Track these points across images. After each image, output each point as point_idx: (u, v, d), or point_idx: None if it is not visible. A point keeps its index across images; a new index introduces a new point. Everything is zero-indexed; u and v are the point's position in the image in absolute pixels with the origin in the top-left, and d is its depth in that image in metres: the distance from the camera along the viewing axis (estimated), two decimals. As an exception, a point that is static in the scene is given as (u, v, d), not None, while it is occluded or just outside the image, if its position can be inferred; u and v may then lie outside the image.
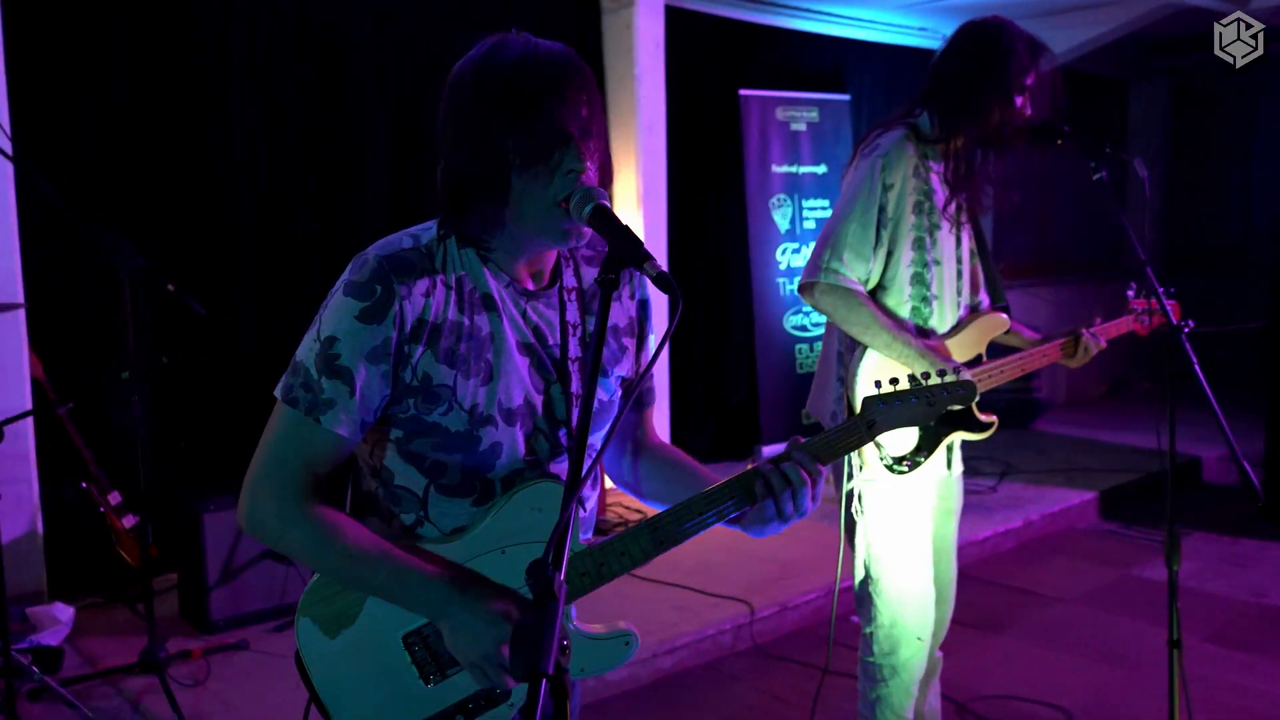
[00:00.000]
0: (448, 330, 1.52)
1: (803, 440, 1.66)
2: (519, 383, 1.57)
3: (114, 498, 4.62)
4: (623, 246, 1.41)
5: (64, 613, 4.30)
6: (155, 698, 3.63)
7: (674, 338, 6.62)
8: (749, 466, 1.63)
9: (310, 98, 5.28)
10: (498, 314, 1.56)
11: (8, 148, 3.68)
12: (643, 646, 4.20)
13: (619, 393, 1.71)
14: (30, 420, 4.49)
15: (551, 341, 1.61)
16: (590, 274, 1.69)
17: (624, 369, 1.72)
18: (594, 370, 1.34)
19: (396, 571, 1.50)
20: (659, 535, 1.59)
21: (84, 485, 4.64)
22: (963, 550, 5.53)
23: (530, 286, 1.61)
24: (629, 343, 1.74)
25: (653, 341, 1.84)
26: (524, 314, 1.59)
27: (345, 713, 1.58)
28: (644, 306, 1.77)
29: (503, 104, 1.45)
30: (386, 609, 1.55)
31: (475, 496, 1.58)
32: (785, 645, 4.51)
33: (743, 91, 6.85)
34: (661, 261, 6.41)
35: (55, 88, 4.58)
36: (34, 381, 4.54)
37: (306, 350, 1.52)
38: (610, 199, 1.51)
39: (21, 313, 4.38)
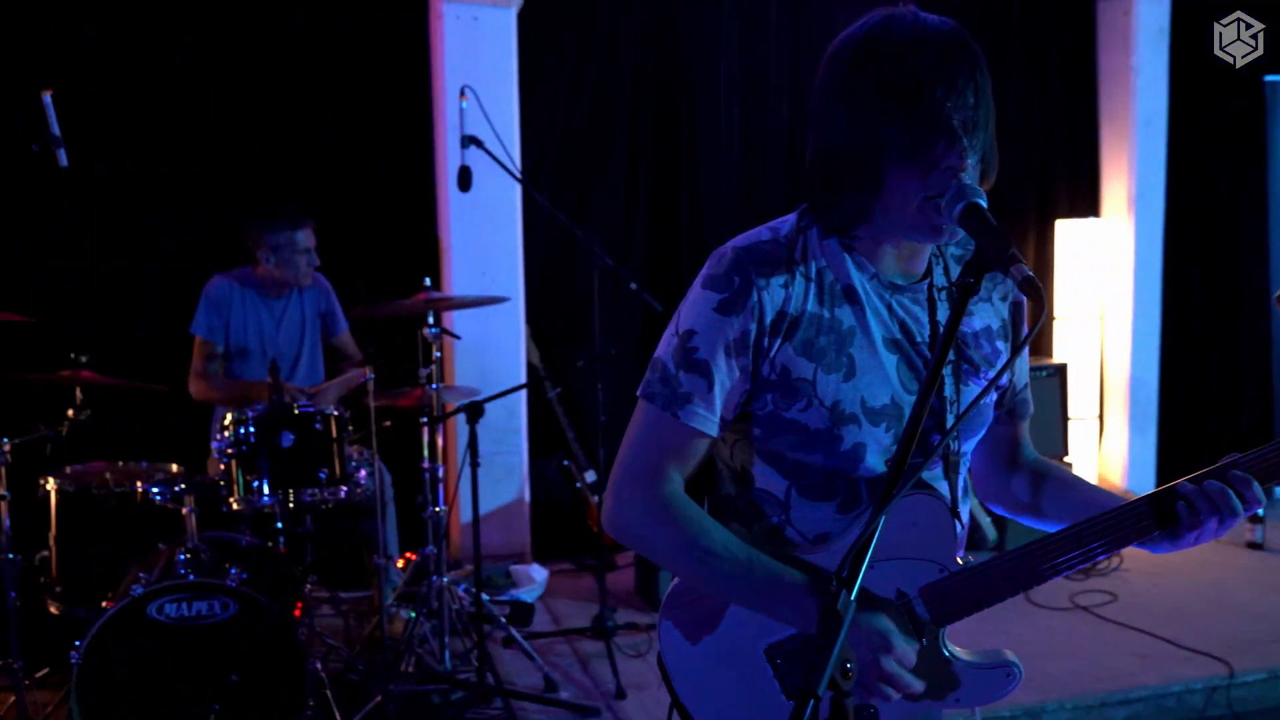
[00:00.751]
0: (807, 322, 1.46)
1: (1240, 457, 1.43)
2: (884, 381, 1.48)
3: (589, 476, 5.11)
4: (990, 249, 1.30)
5: (539, 574, 4.82)
6: (601, 662, 3.94)
7: (1165, 355, 6.00)
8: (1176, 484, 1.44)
9: (789, 103, 5.46)
10: (860, 307, 1.49)
11: (516, 171, 4.23)
12: (1092, 693, 3.85)
13: (995, 399, 1.59)
14: (524, 400, 5.09)
15: (919, 339, 1.52)
16: (959, 273, 1.58)
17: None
18: (934, 375, 1.25)
19: (764, 579, 1.43)
20: (1051, 559, 1.44)
21: (565, 463, 5.19)
22: None
23: (898, 280, 1.52)
24: (1003, 347, 1.60)
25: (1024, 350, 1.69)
26: (889, 308, 1.51)
27: (705, 718, 1.56)
28: (1018, 309, 1.63)
29: (883, 90, 1.36)
30: (749, 618, 1.51)
31: (840, 501, 1.51)
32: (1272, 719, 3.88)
33: (1270, 78, 5.97)
34: (1155, 270, 5.88)
35: (552, 107, 5.18)
36: (531, 366, 5.15)
37: (665, 346, 1.50)
38: (987, 195, 1.40)
39: (520, 304, 4.99)
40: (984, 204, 1.35)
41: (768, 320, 1.45)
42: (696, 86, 5.36)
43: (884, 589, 1.46)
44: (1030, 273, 1.26)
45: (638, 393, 1.53)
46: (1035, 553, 1.45)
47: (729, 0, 5.37)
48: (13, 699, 3.32)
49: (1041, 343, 6.11)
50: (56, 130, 3.36)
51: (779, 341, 1.46)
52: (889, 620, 1.40)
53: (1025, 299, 1.62)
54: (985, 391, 1.22)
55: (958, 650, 1.51)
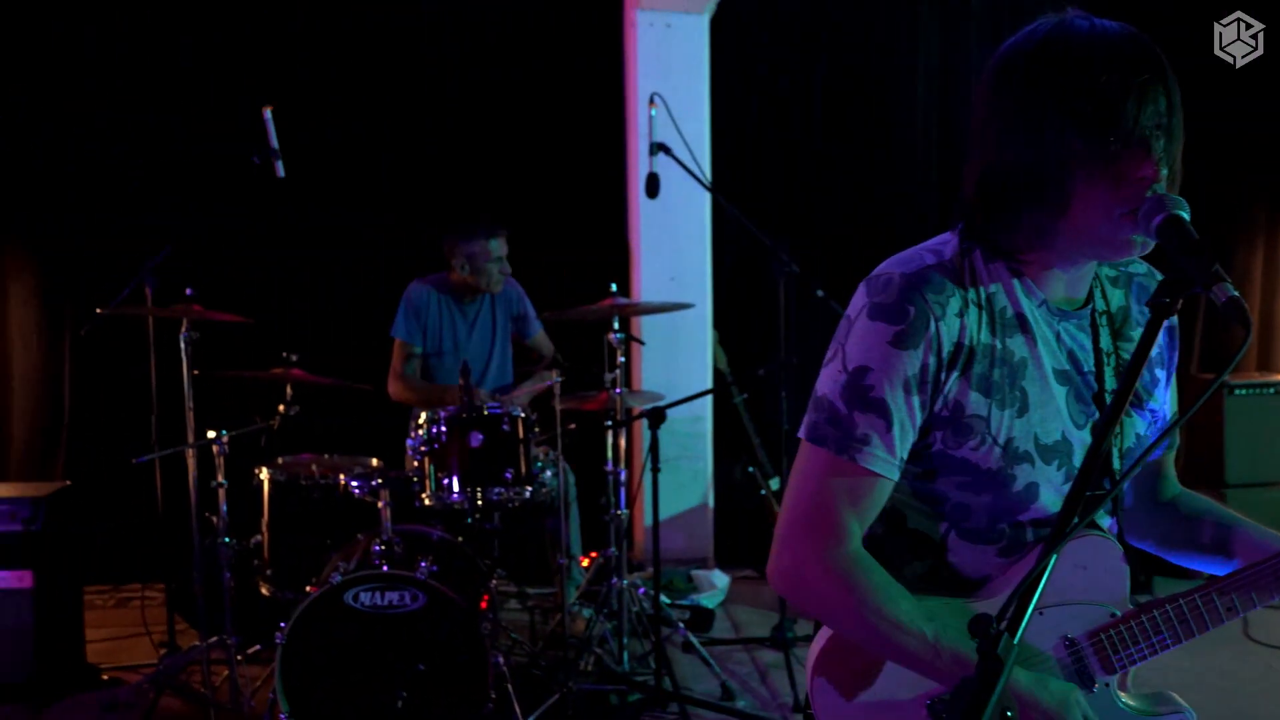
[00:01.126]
0: (981, 354, 1.37)
1: None
2: (1056, 415, 1.40)
3: (774, 483, 5.07)
4: (1191, 266, 1.18)
5: (721, 579, 4.81)
6: (780, 674, 3.90)
7: None
8: None
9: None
10: (1031, 336, 1.39)
11: (705, 178, 4.25)
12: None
13: (1154, 429, 1.48)
14: (710, 405, 5.10)
15: (1086, 369, 1.42)
16: (1116, 296, 1.47)
17: (1158, 403, 1.49)
18: (1119, 404, 1.16)
19: (950, 659, 1.31)
20: (1227, 601, 1.37)
21: (750, 469, 5.16)
22: None
23: (1065, 306, 1.43)
24: (1160, 374, 1.49)
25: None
26: (1058, 336, 1.41)
27: None
28: (1172, 333, 1.52)
29: (1069, 103, 1.27)
30: (909, 672, 1.41)
31: (1003, 544, 1.42)
32: None
33: None
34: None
35: (743, 112, 5.17)
36: (718, 372, 5.15)
37: (830, 384, 1.38)
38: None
39: (708, 309, 5.00)
40: (1186, 215, 1.24)
41: (945, 352, 1.35)
42: (893, 85, 5.26)
43: (1051, 636, 1.39)
44: (1235, 293, 1.15)
45: (802, 435, 1.41)
46: (1211, 594, 1.37)
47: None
48: (226, 672, 3.57)
49: (1274, 359, 5.65)
50: (275, 143, 3.60)
51: (954, 375, 1.36)
52: (1062, 689, 1.32)
53: (1175, 323, 1.50)
54: (1167, 433, 1.12)
55: (1126, 698, 1.43)
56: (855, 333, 1.37)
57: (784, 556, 1.39)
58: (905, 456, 1.38)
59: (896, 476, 1.38)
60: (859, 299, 1.39)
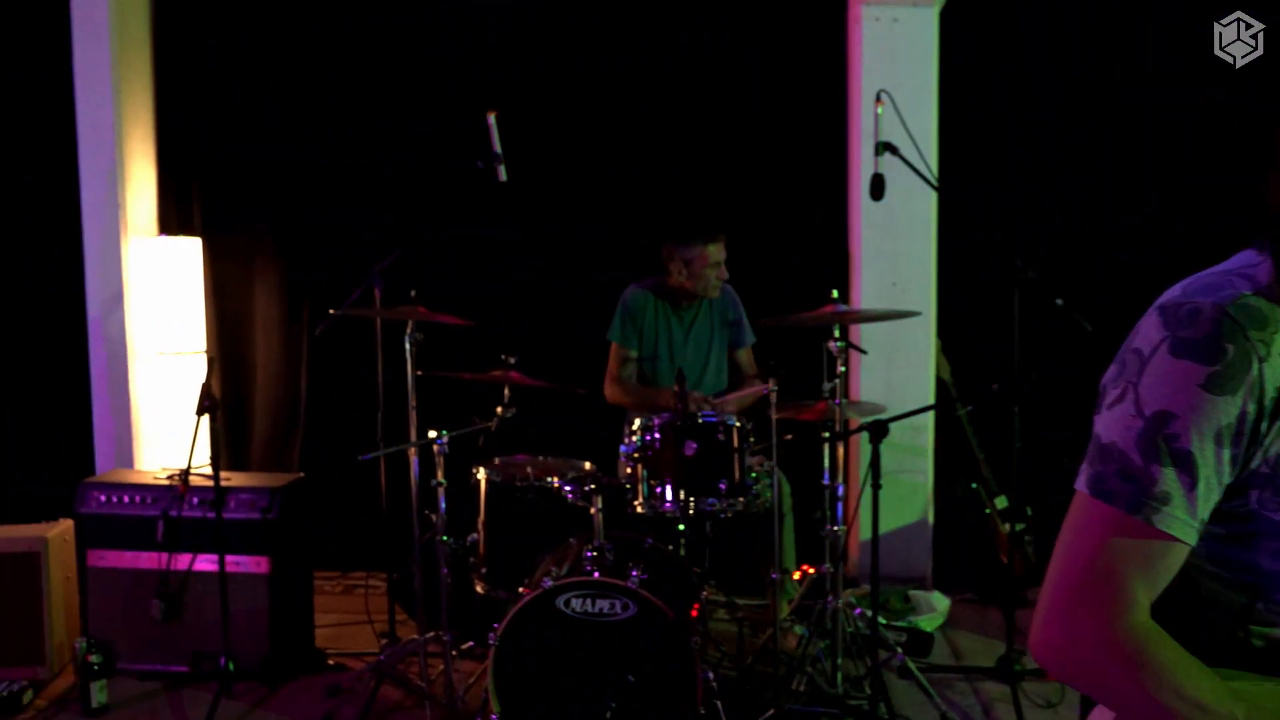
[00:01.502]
0: None
1: None
2: None
3: (1000, 502, 4.78)
4: None
5: (941, 602, 4.56)
6: (1005, 708, 3.64)
7: None
8: None
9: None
10: None
11: (930, 177, 4.02)
12: None
13: None
14: (931, 418, 4.85)
15: None
16: None
17: None
18: None
19: None
20: None
21: (973, 486, 4.88)
22: None
23: None
24: None
25: None
26: None
27: None
28: None
29: None
30: None
31: None
32: None
33: None
34: None
35: (973, 108, 4.91)
36: (941, 383, 4.90)
37: (1122, 430, 1.20)
38: None
39: (931, 317, 4.76)
40: None
41: (1268, 399, 1.16)
42: (1139, 77, 4.84)
43: None
44: None
45: (1084, 488, 1.24)
46: None
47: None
48: (442, 666, 3.65)
49: None
50: (498, 148, 3.65)
51: (1277, 425, 1.17)
52: None
53: None
54: None
55: None
56: (1153, 371, 1.19)
57: (1054, 627, 1.21)
58: (1206, 518, 1.19)
59: (1195, 541, 1.20)
60: (1154, 331, 1.20)
